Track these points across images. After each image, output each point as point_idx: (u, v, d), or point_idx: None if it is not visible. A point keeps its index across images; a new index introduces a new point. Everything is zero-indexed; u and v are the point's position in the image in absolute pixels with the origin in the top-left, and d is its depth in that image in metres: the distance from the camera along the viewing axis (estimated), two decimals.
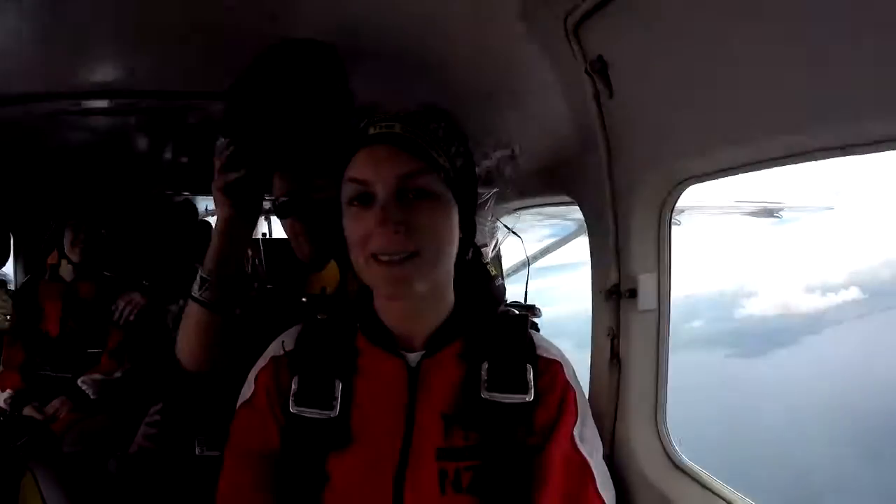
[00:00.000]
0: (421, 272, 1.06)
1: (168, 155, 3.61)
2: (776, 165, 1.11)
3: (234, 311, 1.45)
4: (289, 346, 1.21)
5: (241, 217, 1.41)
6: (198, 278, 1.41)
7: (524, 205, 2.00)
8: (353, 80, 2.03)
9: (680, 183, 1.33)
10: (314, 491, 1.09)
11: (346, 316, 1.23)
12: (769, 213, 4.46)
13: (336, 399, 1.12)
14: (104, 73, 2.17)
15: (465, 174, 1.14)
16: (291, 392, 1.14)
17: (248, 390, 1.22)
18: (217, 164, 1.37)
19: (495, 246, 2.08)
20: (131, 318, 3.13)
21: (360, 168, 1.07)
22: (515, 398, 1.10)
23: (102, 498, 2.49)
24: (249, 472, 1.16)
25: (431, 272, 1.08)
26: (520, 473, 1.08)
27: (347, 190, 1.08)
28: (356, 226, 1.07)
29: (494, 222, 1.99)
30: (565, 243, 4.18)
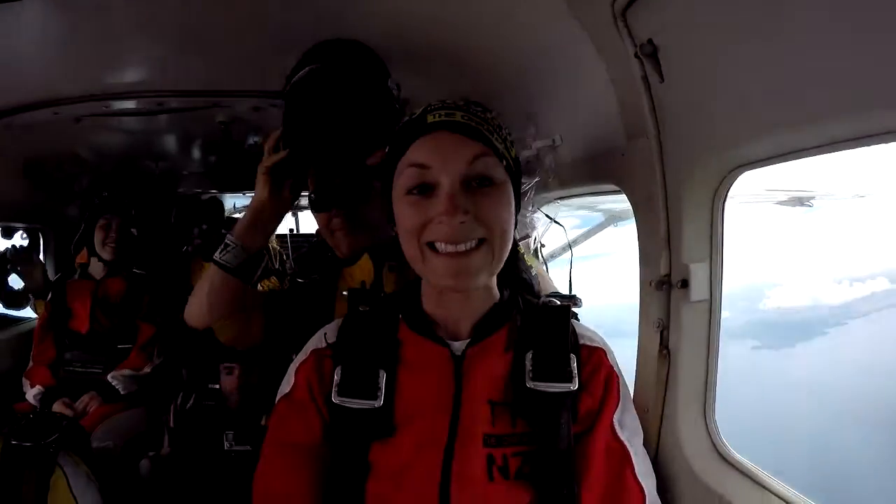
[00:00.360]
0: (486, 262, 1.06)
1: (196, 154, 3.63)
2: (833, 150, 1.06)
3: (248, 281, 1.54)
4: (331, 339, 1.22)
5: (275, 199, 1.51)
6: (222, 244, 1.51)
7: (564, 194, 1.96)
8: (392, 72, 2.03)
9: (733, 170, 1.28)
10: (358, 480, 1.10)
11: (389, 307, 1.23)
12: (800, 201, 4.38)
13: (380, 389, 1.12)
14: (132, 73, 2.19)
15: (517, 163, 1.14)
16: (335, 383, 1.14)
17: (287, 384, 1.22)
18: (267, 146, 1.48)
19: (536, 239, 2.05)
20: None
21: (424, 154, 1.05)
22: (560, 387, 1.10)
23: (134, 495, 2.51)
24: (288, 464, 1.16)
25: (495, 262, 1.08)
26: (566, 460, 1.09)
27: (406, 177, 1.07)
28: (413, 214, 1.06)
29: (535, 212, 1.97)
30: (594, 234, 4.14)
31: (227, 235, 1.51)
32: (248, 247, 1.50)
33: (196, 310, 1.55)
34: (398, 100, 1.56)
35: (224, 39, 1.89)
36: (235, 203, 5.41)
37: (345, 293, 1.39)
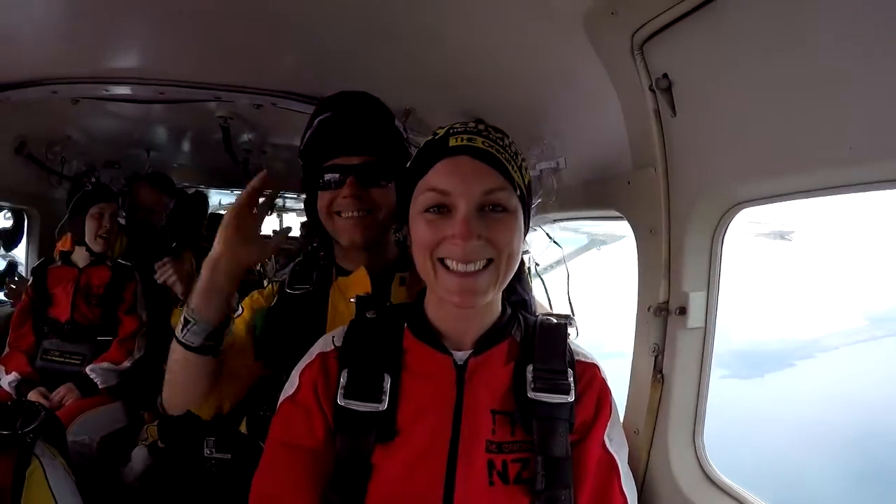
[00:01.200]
0: (492, 282, 1.11)
1: (188, 147, 3.60)
2: (832, 194, 1.13)
3: (218, 353, 1.40)
4: (338, 342, 1.25)
5: (233, 255, 1.35)
6: (182, 318, 1.36)
7: (562, 217, 2.00)
8: (396, 84, 2.05)
9: (735, 205, 1.34)
10: (359, 483, 1.12)
11: (395, 315, 1.27)
12: (780, 235, 4.50)
13: (385, 393, 1.16)
14: (134, 59, 2.19)
15: (529, 189, 1.19)
16: (340, 385, 1.18)
17: (291, 386, 1.24)
18: (250, 185, 1.37)
19: (531, 258, 2.07)
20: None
21: (443, 179, 1.09)
22: (559, 398, 1.16)
23: (110, 492, 2.46)
24: (289, 466, 1.19)
25: (500, 282, 1.13)
26: (564, 467, 1.13)
27: (425, 198, 1.11)
28: (428, 231, 1.10)
29: (533, 230, 1.99)
30: (577, 256, 4.18)
31: (186, 308, 1.36)
32: (210, 320, 1.34)
33: (172, 397, 1.44)
34: (407, 139, 1.58)
35: (230, 33, 1.91)
36: (221, 200, 5.38)
37: (352, 300, 1.37)
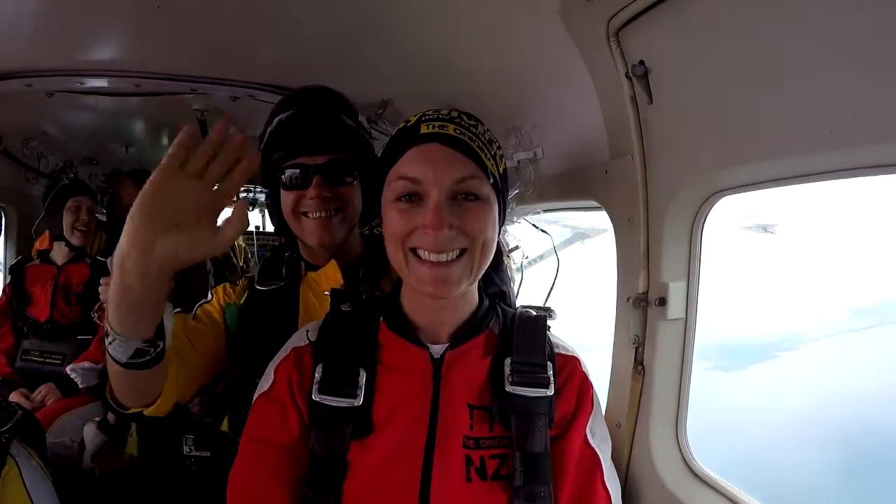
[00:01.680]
0: (466, 272, 1.10)
1: (166, 141, 3.56)
2: (809, 181, 1.12)
3: (152, 365, 1.15)
4: (313, 337, 1.23)
5: (143, 256, 1.00)
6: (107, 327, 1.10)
7: (543, 208, 1.99)
8: (374, 76, 2.03)
9: (715, 193, 1.32)
10: (335, 479, 1.11)
11: (370, 309, 1.25)
12: (763, 228, 4.53)
13: (360, 388, 1.14)
14: (109, 51, 2.15)
15: (504, 177, 1.17)
16: (315, 381, 1.16)
17: (266, 382, 1.23)
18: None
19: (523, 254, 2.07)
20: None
21: (414, 167, 1.08)
22: (538, 392, 1.14)
23: (89, 494, 2.42)
24: (264, 462, 1.17)
25: (475, 272, 1.12)
26: (543, 462, 1.12)
27: (396, 187, 1.09)
28: (400, 220, 1.08)
29: (516, 222, 1.98)
30: (560, 249, 4.17)
31: (106, 319, 1.09)
32: (134, 336, 1.08)
33: (119, 398, 1.24)
34: (370, 133, 1.56)
35: (206, 25, 1.88)
36: None
37: (326, 293, 1.35)
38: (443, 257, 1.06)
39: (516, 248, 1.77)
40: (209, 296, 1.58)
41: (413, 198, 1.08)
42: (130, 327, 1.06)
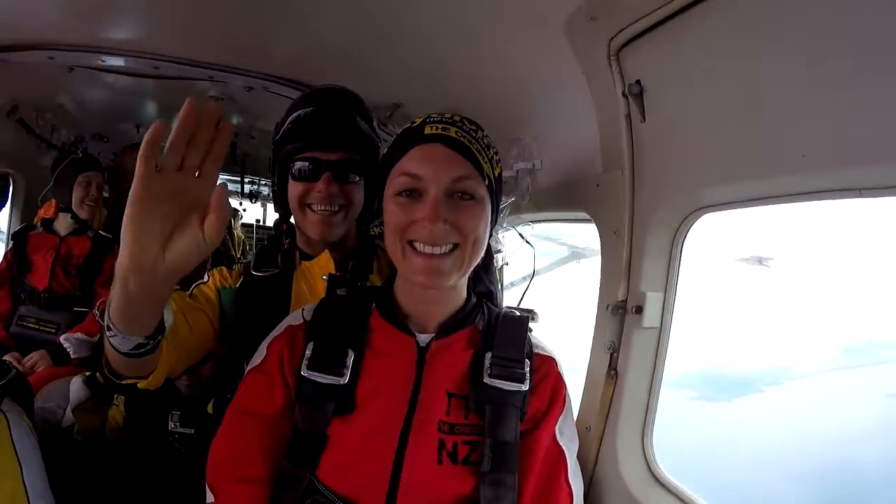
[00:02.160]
0: (457, 265, 1.16)
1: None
2: (788, 201, 1.18)
3: (150, 352, 1.16)
4: (308, 316, 1.30)
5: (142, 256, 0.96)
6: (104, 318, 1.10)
7: (537, 218, 2.05)
8: (385, 79, 2.08)
9: (696, 210, 1.39)
10: (313, 453, 1.18)
11: (364, 296, 1.32)
12: (759, 261, 4.60)
13: (346, 367, 1.20)
14: (132, 31, 2.20)
15: (499, 181, 1.25)
16: (305, 357, 1.22)
17: (258, 357, 1.29)
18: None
19: (503, 256, 2.11)
20: None
21: (416, 164, 1.15)
22: (513, 386, 1.21)
23: (72, 461, 2.45)
24: (245, 431, 1.24)
25: (465, 267, 1.18)
26: (511, 452, 1.18)
27: (398, 182, 1.17)
28: (400, 214, 1.16)
29: (507, 230, 2.03)
30: (557, 267, 4.20)
31: (106, 314, 1.08)
32: (136, 334, 1.10)
33: (114, 370, 1.22)
34: (379, 137, 1.63)
35: (229, 13, 1.93)
36: None
37: (324, 278, 1.40)
38: (436, 250, 1.13)
39: (498, 251, 1.84)
40: (205, 277, 1.62)
41: (413, 193, 1.14)
42: (133, 328, 1.08)
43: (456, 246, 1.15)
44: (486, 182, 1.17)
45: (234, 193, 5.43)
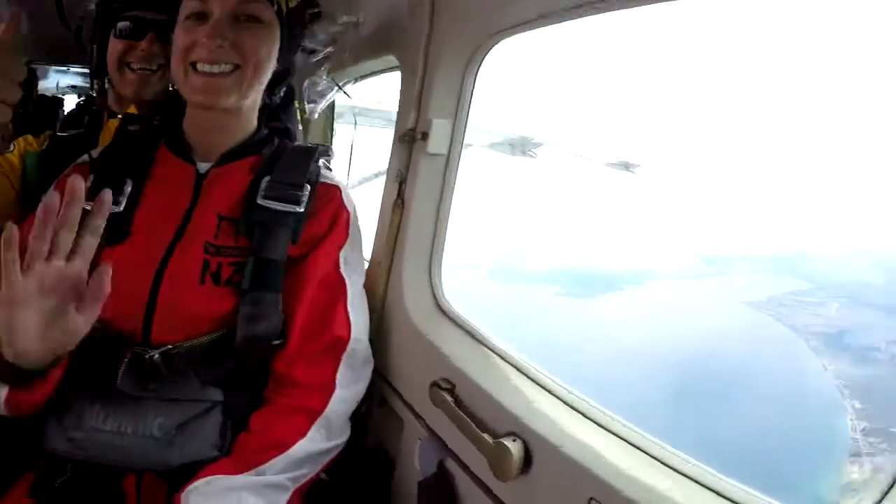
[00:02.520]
0: (235, 86, 1.19)
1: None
2: (580, 16, 1.16)
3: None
4: (95, 155, 1.31)
5: None
6: None
7: (361, 73, 2.04)
8: None
9: (492, 35, 1.37)
10: None
11: (156, 131, 1.35)
12: (626, 166, 4.76)
13: (123, 196, 1.21)
14: None
15: (297, 15, 1.30)
16: (85, 189, 1.14)
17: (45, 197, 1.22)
18: None
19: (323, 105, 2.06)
20: None
21: None
22: (286, 207, 1.22)
23: None
24: None
25: (245, 88, 1.21)
26: (274, 271, 1.20)
27: (186, 6, 1.20)
28: (185, 36, 1.18)
29: (329, 83, 2.01)
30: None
31: None
32: None
33: None
34: None
35: None
36: (59, 81, 4.39)
37: (119, 116, 1.40)
38: (215, 69, 1.16)
39: (313, 102, 1.90)
40: (11, 146, 1.56)
41: (201, 17, 1.17)
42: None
43: (237, 67, 1.17)
44: (275, 8, 1.19)
45: (83, 75, 4.78)
